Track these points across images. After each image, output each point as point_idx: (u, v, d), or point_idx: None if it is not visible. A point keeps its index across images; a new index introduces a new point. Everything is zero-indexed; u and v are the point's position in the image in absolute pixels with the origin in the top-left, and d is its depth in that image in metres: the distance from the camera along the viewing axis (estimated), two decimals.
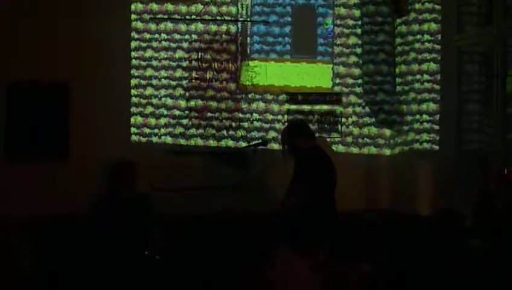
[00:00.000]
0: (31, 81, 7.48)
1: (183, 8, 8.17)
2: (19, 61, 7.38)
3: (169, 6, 8.15)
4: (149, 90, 8.11)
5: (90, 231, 5.05)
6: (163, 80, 8.14)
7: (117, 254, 4.88)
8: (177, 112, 8.14)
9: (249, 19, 8.32)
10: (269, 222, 5.28)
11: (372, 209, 7.86)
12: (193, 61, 8.17)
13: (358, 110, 8.42)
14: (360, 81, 8.42)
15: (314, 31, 8.44)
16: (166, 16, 8.11)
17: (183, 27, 8.18)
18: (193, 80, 8.17)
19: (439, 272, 3.42)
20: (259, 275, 3.10)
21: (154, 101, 8.11)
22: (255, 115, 8.25)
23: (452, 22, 7.67)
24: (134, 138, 8.04)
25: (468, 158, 7.52)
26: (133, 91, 8.07)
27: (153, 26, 8.13)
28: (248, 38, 8.35)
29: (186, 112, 8.15)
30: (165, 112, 8.12)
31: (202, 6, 8.13)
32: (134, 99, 8.08)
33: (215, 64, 8.20)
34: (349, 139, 8.38)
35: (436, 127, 7.94)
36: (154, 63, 8.12)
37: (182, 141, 8.13)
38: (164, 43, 8.14)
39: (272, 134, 8.19)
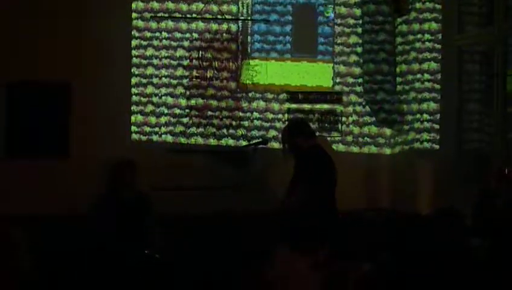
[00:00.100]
0: (31, 80, 7.47)
1: (183, 7, 8.16)
2: (18, 61, 7.37)
3: (170, 5, 8.15)
4: (149, 89, 8.11)
5: (90, 231, 5.05)
6: (163, 78, 8.13)
7: (117, 254, 4.88)
8: (177, 111, 8.14)
9: (249, 18, 8.32)
10: (269, 221, 5.28)
11: (373, 209, 7.87)
12: (194, 60, 8.17)
13: (359, 109, 8.42)
14: (360, 80, 8.42)
15: (315, 30, 8.44)
16: (167, 15, 8.11)
17: (184, 26, 8.18)
18: (194, 79, 8.17)
19: (439, 272, 3.42)
20: (259, 275, 3.10)
21: (155, 99, 8.11)
22: (256, 114, 8.25)
23: (453, 22, 7.67)
24: (134, 136, 8.04)
25: (469, 157, 7.51)
26: (133, 90, 8.06)
27: (153, 25, 8.13)
28: (249, 37, 8.35)
29: (187, 110, 8.15)
30: (166, 111, 8.12)
31: (203, 5, 8.13)
32: (134, 98, 8.08)
33: (216, 63, 8.20)
34: (349, 138, 8.39)
35: (437, 126, 7.94)
36: (155, 61, 8.12)
37: (183, 140, 8.13)
38: (165, 42, 8.14)
39: (272, 133, 8.20)
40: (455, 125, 7.60)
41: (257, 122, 8.24)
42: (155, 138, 8.08)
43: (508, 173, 5.93)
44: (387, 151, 8.44)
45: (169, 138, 8.11)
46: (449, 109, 7.70)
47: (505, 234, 5.02)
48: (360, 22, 8.43)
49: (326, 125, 8.34)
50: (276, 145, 7.96)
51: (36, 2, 7.48)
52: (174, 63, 8.15)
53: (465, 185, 7.10)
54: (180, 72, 8.16)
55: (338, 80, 8.42)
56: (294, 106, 8.31)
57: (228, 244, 5.86)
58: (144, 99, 8.09)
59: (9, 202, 6.78)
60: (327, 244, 4.33)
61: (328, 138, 8.17)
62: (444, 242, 3.69)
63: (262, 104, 8.27)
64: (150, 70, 8.12)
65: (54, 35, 7.46)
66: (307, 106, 8.33)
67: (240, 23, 8.30)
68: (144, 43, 8.09)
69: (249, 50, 8.32)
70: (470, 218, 5.48)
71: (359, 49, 8.43)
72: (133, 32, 8.06)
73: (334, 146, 8.17)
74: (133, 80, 8.06)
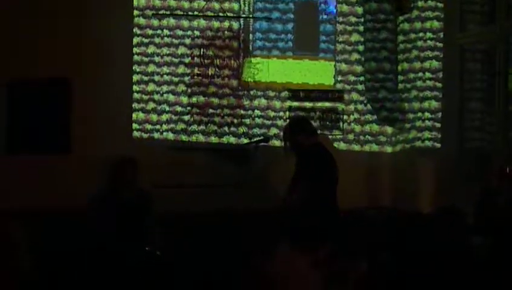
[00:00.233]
0: (32, 78, 7.47)
1: (185, 4, 8.16)
2: (19, 59, 7.37)
3: (172, 2, 8.15)
4: (151, 86, 8.11)
5: (91, 228, 5.05)
6: (165, 76, 8.13)
7: (118, 252, 4.88)
8: (179, 108, 8.14)
9: (251, 16, 8.31)
10: (270, 219, 5.28)
11: (374, 207, 7.86)
12: (195, 58, 8.17)
13: (360, 107, 8.41)
14: (362, 78, 8.42)
15: (317, 28, 8.43)
16: (168, 12, 8.10)
17: (185, 23, 8.18)
18: (195, 77, 8.17)
19: (440, 270, 3.42)
20: (259, 273, 3.10)
21: (156, 97, 8.11)
22: (257, 112, 8.25)
23: (455, 20, 7.66)
24: (136, 134, 8.04)
25: (470, 156, 7.51)
26: (135, 87, 8.07)
27: (155, 22, 8.12)
28: (250, 35, 8.34)
29: (188, 108, 8.15)
30: (167, 108, 8.12)
31: (204, 3, 8.12)
32: (136, 95, 8.08)
33: (217, 60, 8.19)
34: (350, 136, 8.38)
35: (438, 125, 7.94)
36: (157, 59, 8.12)
37: (184, 137, 8.13)
38: (166, 39, 8.14)
39: (274, 131, 8.19)
40: (457, 123, 7.60)
41: (258, 120, 8.23)
42: (156, 135, 8.08)
43: (509, 171, 5.92)
44: (389, 149, 8.44)
45: (170, 136, 8.11)
46: (451, 107, 7.70)
47: (507, 233, 5.01)
48: (362, 20, 8.43)
49: (327, 123, 8.33)
50: (277, 143, 7.96)
51: (36, 1, 7.48)
52: (176, 60, 8.15)
53: (466, 183, 7.10)
54: (181, 69, 8.16)
55: (340, 78, 8.41)
56: (295, 104, 8.30)
57: (229, 243, 5.86)
58: (145, 97, 8.09)
59: (10, 199, 6.78)
60: (328, 242, 4.33)
61: (330, 136, 8.16)
62: (445, 241, 3.69)
63: (263, 102, 8.27)
64: (151, 68, 8.11)
65: (54, 33, 7.46)
66: (308, 104, 8.32)
67: (242, 21, 8.29)
68: (146, 40, 8.09)
69: (250, 48, 8.31)
70: (472, 216, 5.48)
71: (361, 48, 8.43)
72: (134, 30, 8.06)
73: (335, 144, 8.16)
74: (135, 78, 8.07)
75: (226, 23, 8.23)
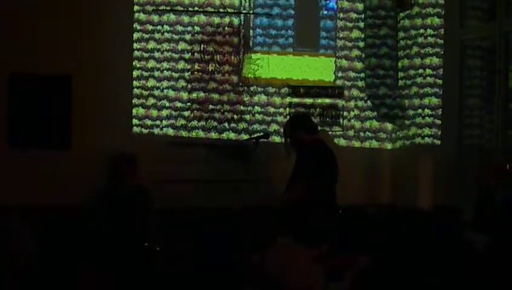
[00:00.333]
0: (33, 73, 7.47)
1: (185, 0, 8.15)
2: (20, 53, 7.37)
3: None
4: (151, 82, 8.10)
5: (90, 225, 5.06)
6: (165, 71, 8.13)
7: (117, 248, 4.89)
8: (179, 104, 8.13)
9: (251, 11, 8.31)
10: (270, 215, 5.28)
11: (373, 204, 7.87)
12: (195, 53, 8.16)
13: (360, 104, 8.42)
14: (362, 75, 8.42)
15: (317, 24, 8.43)
16: (168, 8, 8.10)
17: (185, 19, 8.17)
18: (195, 72, 8.16)
19: (437, 267, 3.43)
20: (259, 269, 3.11)
21: (156, 92, 8.10)
22: (257, 108, 8.25)
23: (455, 17, 7.65)
24: (135, 129, 8.04)
25: (470, 153, 7.51)
26: (135, 83, 8.06)
27: (155, 18, 8.11)
28: (251, 31, 8.33)
29: (188, 104, 8.15)
30: (167, 104, 8.11)
31: None
32: (136, 91, 8.07)
33: (218, 56, 8.19)
34: (350, 132, 8.39)
35: (438, 121, 7.94)
36: (157, 54, 8.11)
37: (184, 133, 8.13)
38: (166, 35, 8.13)
39: (274, 127, 8.19)
40: (456, 120, 7.60)
41: (258, 116, 8.24)
42: (156, 131, 8.08)
43: (508, 169, 5.93)
44: (389, 146, 8.44)
45: (170, 131, 8.11)
46: (451, 104, 7.70)
47: (505, 230, 5.02)
48: (363, 16, 8.42)
49: (327, 119, 8.34)
50: (277, 139, 7.97)
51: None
52: (176, 56, 8.14)
53: (466, 180, 7.10)
54: (181, 65, 8.15)
55: (340, 74, 8.41)
56: (295, 100, 8.31)
57: (229, 238, 5.86)
58: (145, 93, 8.08)
59: (11, 192, 6.79)
60: (327, 238, 4.34)
61: (330, 133, 8.17)
62: (442, 238, 3.69)
63: (263, 98, 8.27)
64: (151, 64, 8.11)
65: (55, 28, 7.45)
66: (308, 100, 8.33)
67: (242, 17, 8.29)
68: (146, 36, 8.09)
69: (251, 44, 8.31)
70: (471, 214, 5.48)
71: (361, 44, 8.43)
72: (134, 25, 8.05)
73: (335, 140, 8.17)
74: (135, 73, 8.06)
75: (227, 19, 8.23)
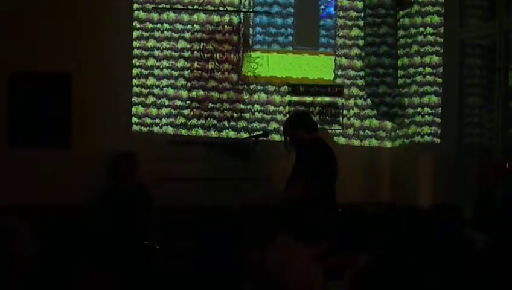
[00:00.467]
0: (32, 71, 7.47)
1: None
2: (20, 52, 7.36)
3: None
4: (151, 80, 8.10)
5: (90, 224, 5.06)
6: (165, 69, 8.12)
7: (117, 246, 4.89)
8: (178, 102, 8.13)
9: (251, 10, 8.30)
10: (270, 214, 5.29)
11: (373, 202, 7.87)
12: (195, 52, 8.16)
13: (360, 102, 8.42)
14: (362, 73, 8.42)
15: (317, 23, 8.43)
16: (168, 6, 8.09)
17: (185, 17, 8.16)
18: (195, 70, 8.16)
19: (437, 266, 3.43)
20: (259, 267, 3.11)
21: (156, 91, 8.10)
22: (257, 106, 8.25)
23: (455, 15, 7.65)
24: (135, 127, 8.04)
25: (470, 151, 7.52)
26: (134, 81, 8.05)
27: (155, 16, 8.11)
28: (250, 29, 8.33)
29: (188, 102, 8.15)
30: (167, 102, 8.11)
31: None
32: (135, 89, 8.07)
33: (217, 54, 8.19)
34: (350, 131, 8.39)
35: (438, 120, 7.94)
36: (156, 52, 8.11)
37: (183, 132, 8.13)
38: (166, 33, 8.12)
39: (274, 125, 8.19)
40: (456, 119, 7.60)
41: (258, 115, 8.23)
42: (156, 129, 8.08)
43: (508, 167, 5.93)
44: (388, 144, 8.44)
45: (170, 130, 8.11)
46: (450, 102, 7.70)
47: (505, 229, 5.02)
48: (362, 14, 8.42)
49: (327, 118, 8.34)
50: (277, 137, 7.97)
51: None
52: (176, 54, 8.14)
53: (465, 179, 7.11)
54: (181, 63, 8.15)
55: (339, 72, 8.41)
56: (295, 98, 8.31)
57: (228, 236, 5.87)
58: (145, 91, 8.08)
59: (11, 192, 6.79)
60: (327, 236, 4.34)
61: (329, 131, 8.17)
62: (441, 236, 3.70)
63: (263, 96, 8.27)
64: (151, 62, 8.10)
65: (55, 27, 7.45)
66: (308, 99, 8.33)
67: (242, 15, 8.28)
68: (145, 34, 8.08)
69: (250, 42, 8.31)
70: (471, 212, 5.49)
71: (361, 42, 8.43)
72: (134, 24, 8.05)
73: (334, 139, 8.17)
74: (134, 71, 8.06)
75: (226, 17, 8.22)
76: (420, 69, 8.03)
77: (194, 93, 8.15)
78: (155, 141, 7.83)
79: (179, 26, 8.14)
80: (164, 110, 8.10)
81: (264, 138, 6.50)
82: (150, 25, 8.09)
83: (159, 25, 8.11)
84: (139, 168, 5.29)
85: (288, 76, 8.34)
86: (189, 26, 8.16)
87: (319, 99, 8.35)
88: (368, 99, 8.42)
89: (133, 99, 8.03)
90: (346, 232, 5.01)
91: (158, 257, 5.06)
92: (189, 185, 7.50)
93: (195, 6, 8.12)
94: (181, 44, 8.15)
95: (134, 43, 8.06)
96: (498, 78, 6.97)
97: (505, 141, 6.86)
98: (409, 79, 8.20)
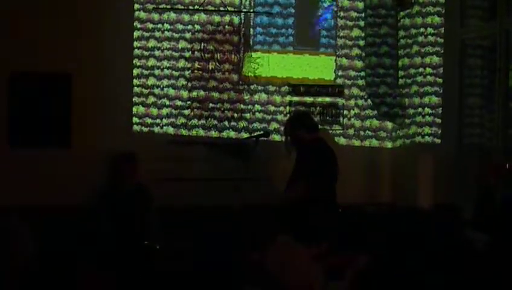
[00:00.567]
0: (33, 71, 7.47)
1: None
2: (20, 52, 7.37)
3: None
4: (151, 80, 8.10)
5: (90, 224, 5.06)
6: (165, 70, 8.12)
7: (117, 246, 4.89)
8: (179, 103, 8.13)
9: (252, 10, 8.30)
10: (270, 214, 5.29)
11: (373, 203, 7.87)
12: (196, 52, 8.16)
13: (361, 102, 8.41)
14: (362, 73, 8.42)
15: (318, 23, 8.43)
16: (169, 6, 8.09)
17: (186, 17, 8.16)
18: (195, 71, 8.16)
19: (438, 266, 3.43)
20: (259, 267, 3.11)
21: (157, 91, 8.10)
22: (257, 106, 8.25)
23: (456, 16, 7.65)
24: (136, 127, 8.04)
25: (470, 152, 7.51)
26: (135, 81, 8.06)
27: (155, 16, 8.11)
28: (251, 29, 8.33)
29: (189, 102, 8.15)
30: (167, 102, 8.11)
31: None
32: (136, 89, 8.07)
33: (218, 55, 8.19)
34: (350, 131, 8.39)
35: (438, 120, 7.94)
36: (157, 53, 8.11)
37: (184, 132, 8.13)
38: (167, 33, 8.12)
39: (274, 125, 8.19)
40: (457, 119, 7.60)
41: (259, 115, 8.24)
42: (156, 129, 8.08)
43: (509, 167, 5.93)
44: (389, 145, 8.44)
45: (170, 130, 8.11)
46: (451, 103, 7.70)
47: (505, 229, 5.02)
48: (363, 15, 8.42)
49: (327, 118, 8.34)
50: (277, 137, 7.97)
51: None
52: (176, 54, 8.14)
53: (465, 179, 7.10)
54: (182, 63, 8.15)
55: (340, 73, 8.41)
56: (296, 98, 8.31)
57: (229, 237, 5.87)
58: (145, 91, 8.08)
59: (11, 192, 6.79)
60: (327, 236, 4.34)
61: (330, 131, 8.17)
62: (442, 237, 3.69)
63: (264, 96, 8.27)
64: (151, 62, 8.11)
65: (55, 27, 7.45)
66: (308, 99, 8.33)
67: (243, 15, 8.29)
68: (146, 34, 8.08)
69: (251, 42, 8.31)
70: (471, 212, 5.48)
71: (361, 43, 8.43)
72: (135, 24, 8.05)
73: (335, 139, 8.17)
74: (135, 71, 8.06)
75: (227, 18, 8.22)
76: (421, 69, 8.03)
77: (194, 93, 8.15)
78: (155, 141, 7.84)
79: (180, 27, 8.14)
80: (165, 110, 8.10)
81: (265, 138, 6.50)
82: (150, 25, 8.10)
83: (159, 25, 8.11)
84: (139, 168, 5.29)
85: (289, 76, 8.34)
86: (189, 27, 8.16)
87: (319, 99, 8.35)
88: (369, 100, 8.42)
89: (133, 99, 8.04)
90: (346, 232, 5.00)
91: (158, 257, 5.06)
92: (189, 185, 7.50)
93: (196, 7, 8.13)
94: (182, 44, 8.15)
95: (135, 43, 8.06)
96: (498, 78, 6.97)
97: (506, 142, 6.85)
98: (410, 79, 8.20)
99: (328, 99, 8.36)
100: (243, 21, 8.30)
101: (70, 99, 7.59)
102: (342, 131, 8.36)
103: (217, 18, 8.19)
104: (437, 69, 7.94)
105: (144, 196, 5.27)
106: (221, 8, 8.16)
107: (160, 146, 7.73)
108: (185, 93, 8.14)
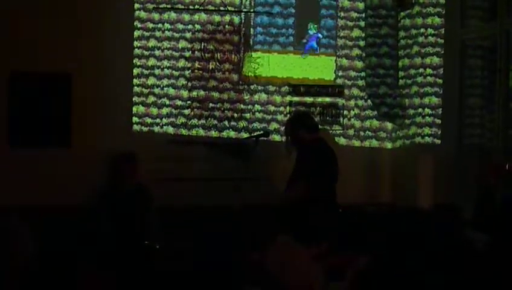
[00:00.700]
0: (33, 71, 7.47)
1: None
2: (20, 52, 7.37)
3: None
4: (151, 80, 8.10)
5: (90, 224, 5.06)
6: (165, 69, 8.13)
7: (117, 246, 4.89)
8: (179, 102, 8.13)
9: (252, 10, 8.30)
10: (270, 214, 5.28)
11: (373, 203, 7.87)
12: (196, 52, 8.16)
13: (361, 103, 8.42)
14: (362, 74, 8.42)
15: (318, 23, 8.43)
16: (169, 6, 8.10)
17: (186, 17, 8.17)
18: (196, 70, 8.17)
19: (438, 266, 3.42)
20: (259, 267, 3.11)
21: (157, 90, 8.10)
22: (257, 106, 8.25)
23: (456, 16, 7.65)
24: (136, 127, 8.04)
25: (470, 152, 7.51)
26: (135, 80, 8.06)
27: (156, 16, 8.11)
28: (251, 29, 8.33)
29: (189, 102, 8.15)
30: (167, 102, 8.11)
31: None
32: (136, 89, 8.07)
33: (218, 54, 8.19)
34: (350, 131, 8.39)
35: (438, 121, 7.94)
36: (157, 52, 8.11)
37: (184, 131, 8.13)
38: (167, 33, 8.13)
39: (274, 125, 8.20)
40: (457, 120, 7.60)
41: (259, 115, 8.24)
42: (156, 129, 8.08)
43: (509, 168, 5.93)
44: (389, 145, 8.44)
45: (170, 130, 8.11)
46: (451, 103, 7.70)
47: (505, 229, 5.01)
48: (363, 15, 8.42)
49: (327, 118, 8.34)
50: (277, 137, 7.97)
51: None
52: (176, 54, 8.14)
53: (465, 179, 7.10)
54: (182, 63, 8.15)
55: (340, 73, 8.41)
56: (296, 98, 8.31)
57: (229, 237, 5.87)
58: (145, 91, 8.09)
59: (11, 192, 6.79)
60: (327, 237, 4.34)
61: (330, 131, 8.17)
62: (442, 237, 3.69)
63: (264, 96, 8.27)
64: (151, 62, 8.11)
65: (55, 26, 7.45)
66: (308, 99, 8.33)
67: (243, 15, 8.29)
68: (146, 34, 8.09)
69: (251, 42, 8.31)
70: (471, 213, 5.48)
71: (362, 43, 8.43)
72: (135, 23, 8.05)
73: (335, 139, 8.17)
74: (135, 71, 8.06)
75: (227, 17, 8.22)
76: (421, 70, 8.03)
77: (194, 93, 8.15)
78: (155, 141, 7.84)
79: (180, 26, 8.14)
80: (165, 110, 8.10)
81: (265, 138, 6.50)
82: (151, 25, 8.10)
83: (160, 25, 8.12)
84: (139, 168, 5.29)
85: (289, 76, 8.34)
86: (190, 26, 8.16)
87: (319, 99, 8.35)
88: (369, 100, 8.42)
89: (133, 99, 8.04)
90: (346, 232, 5.00)
91: (158, 257, 5.06)
92: (190, 185, 7.50)
93: (196, 6, 8.13)
94: (182, 44, 8.15)
95: (135, 43, 8.06)
96: (499, 79, 6.97)
97: (506, 142, 6.86)
98: (410, 80, 8.20)
99: (328, 99, 8.37)
100: (243, 21, 8.30)
101: (70, 99, 7.60)
102: (342, 131, 8.36)
103: (217, 18, 8.19)
104: (437, 69, 7.94)
105: (144, 196, 5.27)
106: (222, 8, 8.16)
107: (160, 146, 7.73)
108: (185, 93, 8.14)
